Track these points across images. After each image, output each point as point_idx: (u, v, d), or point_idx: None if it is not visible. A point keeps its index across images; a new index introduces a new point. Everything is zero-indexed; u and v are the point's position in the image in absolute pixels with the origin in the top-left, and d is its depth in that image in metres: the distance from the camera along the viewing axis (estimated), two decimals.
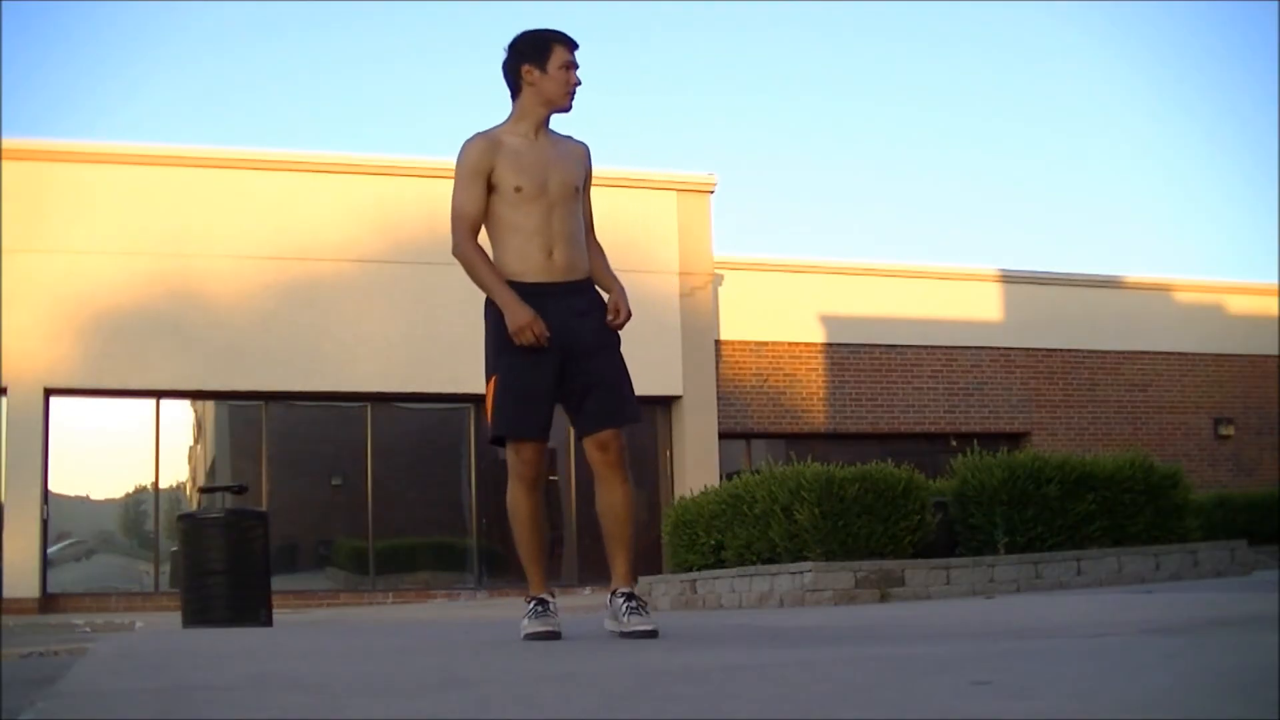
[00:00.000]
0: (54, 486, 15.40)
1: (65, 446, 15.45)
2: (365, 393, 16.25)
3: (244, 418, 16.63)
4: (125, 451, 15.91)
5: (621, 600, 4.50)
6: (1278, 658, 2.85)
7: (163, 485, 16.04)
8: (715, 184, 17.86)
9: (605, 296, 4.67)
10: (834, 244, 54.00)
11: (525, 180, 4.52)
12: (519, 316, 4.45)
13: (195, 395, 16.13)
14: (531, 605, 4.56)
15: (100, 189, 15.67)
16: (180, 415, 16.39)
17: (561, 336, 4.49)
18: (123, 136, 26.71)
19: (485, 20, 43.37)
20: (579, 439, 4.59)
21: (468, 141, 4.60)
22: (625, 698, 2.67)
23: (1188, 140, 42.55)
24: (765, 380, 18.58)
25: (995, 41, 42.79)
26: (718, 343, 18.02)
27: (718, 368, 17.89)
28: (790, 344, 18.79)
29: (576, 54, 4.62)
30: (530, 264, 4.54)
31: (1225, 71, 41.84)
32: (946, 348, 19.61)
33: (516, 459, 4.55)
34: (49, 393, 15.33)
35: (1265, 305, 21.29)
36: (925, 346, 19.48)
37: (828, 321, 19.07)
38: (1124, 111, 43.66)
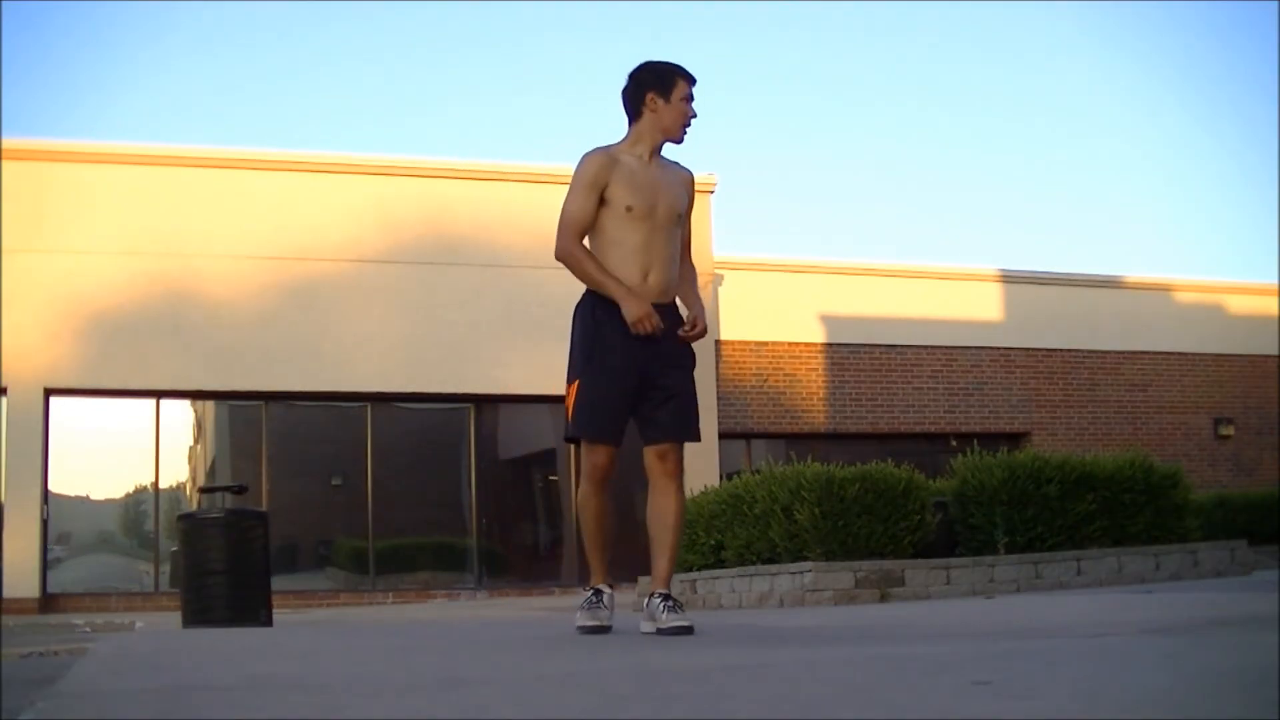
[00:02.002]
0: (54, 486, 15.40)
1: (65, 446, 15.44)
2: (365, 393, 16.24)
3: (244, 418, 16.62)
4: (125, 451, 15.90)
5: (659, 600, 4.68)
6: (1278, 658, 2.85)
7: (163, 485, 16.03)
8: (715, 184, 17.86)
9: (685, 313, 4.86)
10: (834, 244, 53.98)
11: (637, 201, 4.72)
12: (637, 309, 4.62)
13: (195, 395, 16.12)
14: (588, 595, 4.82)
15: (100, 189, 15.66)
16: (180, 415, 16.39)
17: (649, 352, 4.68)
18: (123, 136, 26.74)
19: (485, 20, 43.40)
20: (643, 446, 4.78)
21: (588, 154, 4.79)
22: (625, 698, 2.67)
23: (1188, 140, 42.58)
24: (765, 380, 18.59)
25: (995, 41, 42.82)
26: (718, 343, 18.02)
27: (718, 368, 17.89)
28: (790, 344, 18.80)
29: (694, 89, 4.82)
30: (628, 281, 4.70)
31: (1225, 71, 41.85)
32: (946, 348, 19.61)
33: (589, 461, 4.74)
34: (49, 393, 15.33)
35: (1265, 305, 21.30)
36: (925, 346, 19.48)
37: (828, 321, 19.07)
38: (1124, 111, 43.69)
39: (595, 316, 4.71)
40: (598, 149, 4.80)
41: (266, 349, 15.85)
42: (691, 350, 4.84)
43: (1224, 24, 41.09)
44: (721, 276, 18.13)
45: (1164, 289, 21.19)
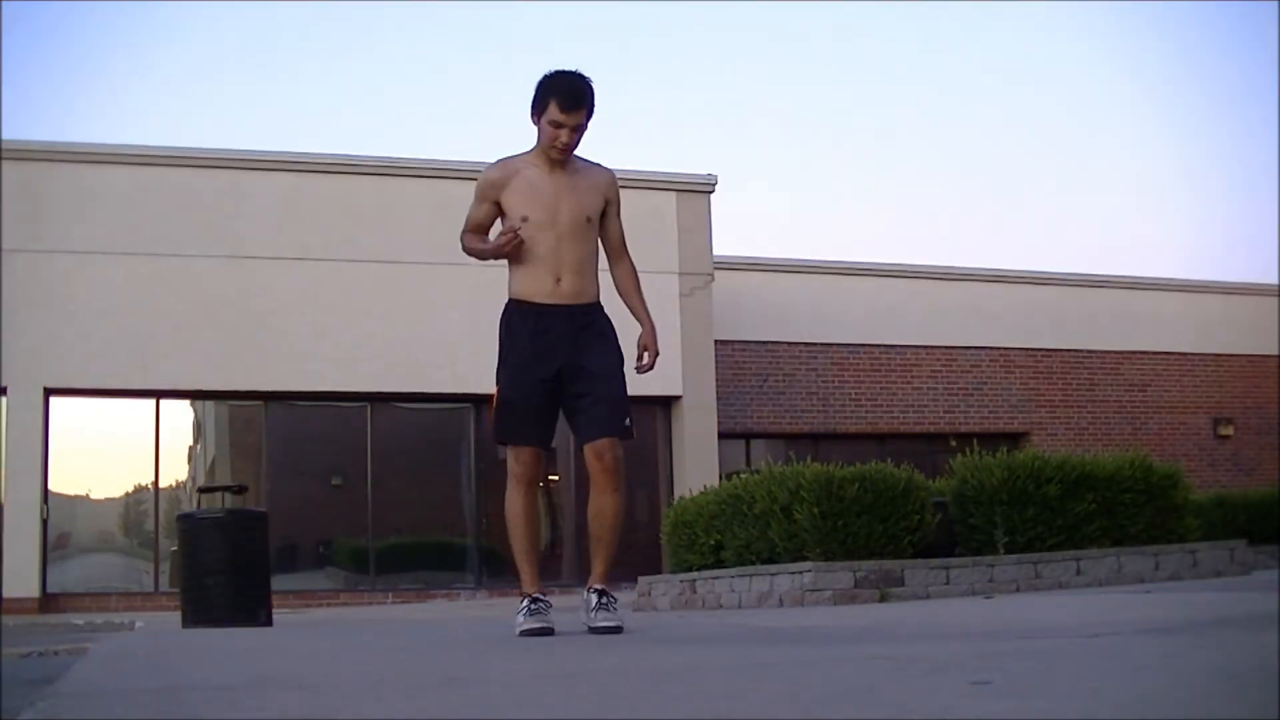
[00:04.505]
0: (54, 486, 15.40)
1: (65, 446, 15.44)
2: (365, 393, 16.24)
3: (244, 418, 16.63)
4: (125, 451, 15.90)
5: (594, 596, 4.78)
6: (1278, 658, 2.85)
7: (163, 485, 16.04)
8: (715, 184, 17.86)
9: (611, 320, 4.91)
10: (834, 244, 53.97)
11: (534, 211, 4.79)
12: (499, 242, 4.81)
13: (195, 395, 16.13)
14: (525, 603, 4.76)
15: (100, 189, 15.66)
16: (180, 415, 16.39)
17: (563, 351, 4.75)
18: (123, 136, 26.74)
19: (484, 20, 43.41)
20: (578, 448, 4.84)
21: (488, 166, 4.94)
22: (625, 698, 2.67)
23: (1188, 140, 42.57)
24: (765, 380, 18.59)
25: (996, 41, 42.81)
26: (718, 343, 18.03)
27: (718, 368, 17.90)
28: (790, 344, 18.80)
29: (575, 112, 4.71)
30: (538, 288, 4.80)
31: (1226, 71, 41.84)
32: (946, 348, 19.62)
33: (514, 461, 4.82)
34: (49, 393, 15.32)
35: (1265, 305, 21.30)
36: (925, 346, 19.49)
37: (828, 321, 19.07)
38: (1124, 111, 43.68)
39: (510, 327, 4.84)
40: (499, 160, 4.93)
41: (266, 349, 15.85)
42: (616, 349, 4.84)
43: (1224, 24, 41.08)
44: (721, 277, 18.15)
45: (1164, 289, 21.19)
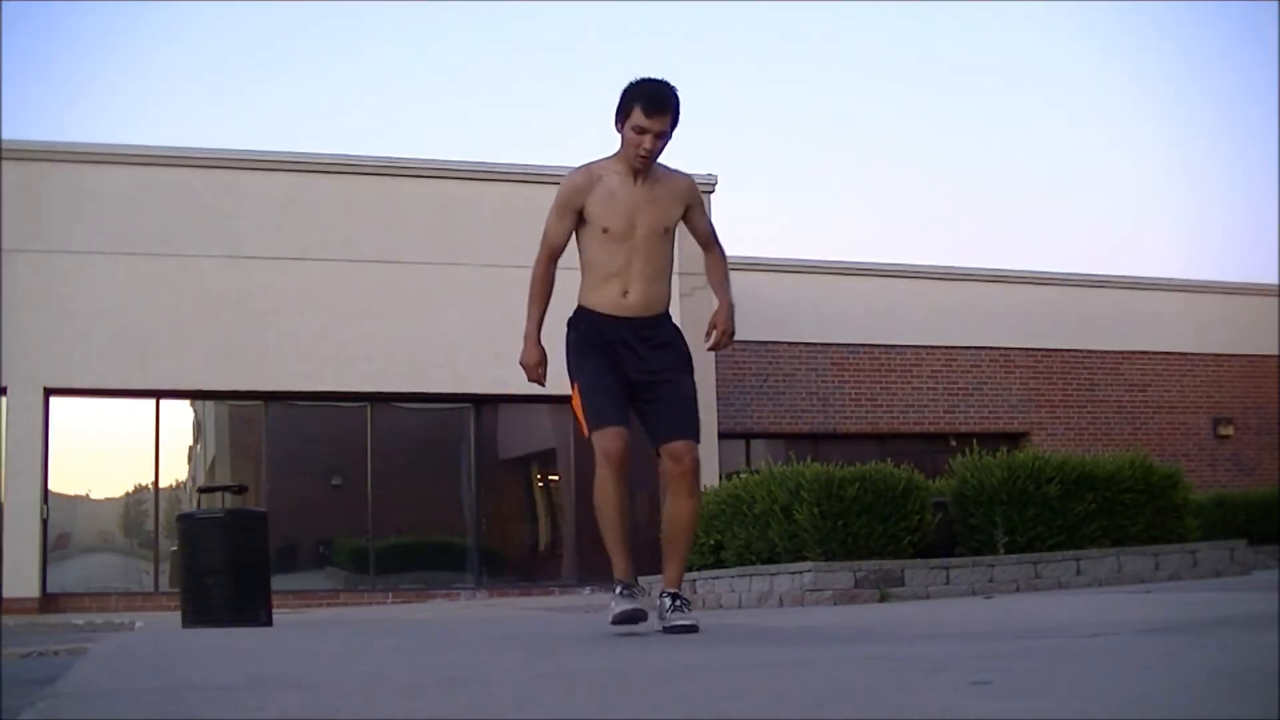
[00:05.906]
0: (54, 486, 15.39)
1: (65, 446, 15.43)
2: (365, 393, 16.24)
3: (244, 418, 16.62)
4: (125, 451, 15.90)
5: (668, 600, 4.75)
6: (1278, 658, 2.85)
7: (163, 485, 16.03)
8: (715, 184, 17.85)
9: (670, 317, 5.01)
10: (834, 244, 53.97)
11: (613, 222, 4.79)
12: (525, 357, 4.86)
13: (195, 395, 16.12)
14: (617, 590, 4.79)
15: (100, 189, 15.66)
16: (180, 415, 16.38)
17: (634, 363, 4.80)
18: (123, 136, 26.73)
19: (485, 20, 43.41)
20: (655, 452, 4.85)
21: (570, 173, 4.88)
22: (625, 698, 2.67)
23: (1188, 140, 42.58)
24: (765, 380, 18.59)
25: (996, 41, 42.81)
26: None
27: (718, 368, 17.89)
28: (790, 344, 18.80)
29: (660, 117, 4.68)
30: (606, 299, 4.83)
31: (1226, 71, 41.83)
32: (946, 348, 19.63)
33: (602, 447, 4.76)
34: (49, 393, 15.32)
35: (1265, 305, 21.30)
36: (925, 346, 19.49)
37: (828, 321, 19.07)
38: (1125, 111, 43.66)
39: (578, 329, 4.86)
40: (580, 167, 4.87)
41: (266, 349, 15.85)
42: (683, 354, 4.93)
43: (1224, 24, 41.09)
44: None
45: (1164, 289, 21.19)
